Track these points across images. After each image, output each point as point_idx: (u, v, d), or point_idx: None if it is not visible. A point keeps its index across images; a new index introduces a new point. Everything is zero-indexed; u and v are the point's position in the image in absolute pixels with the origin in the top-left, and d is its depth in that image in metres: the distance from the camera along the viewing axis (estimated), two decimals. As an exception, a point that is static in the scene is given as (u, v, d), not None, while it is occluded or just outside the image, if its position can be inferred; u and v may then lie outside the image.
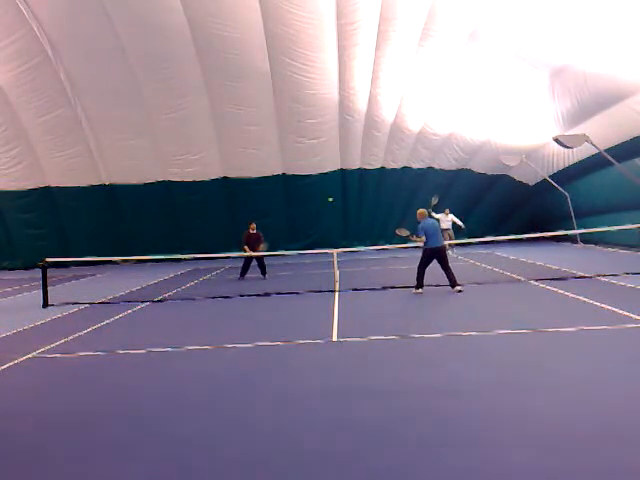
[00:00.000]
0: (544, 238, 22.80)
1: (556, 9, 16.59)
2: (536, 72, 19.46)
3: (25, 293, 15.27)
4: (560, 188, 22.61)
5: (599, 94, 17.55)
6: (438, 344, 6.98)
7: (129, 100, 20.45)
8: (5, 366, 6.97)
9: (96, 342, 8.21)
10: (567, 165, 21.96)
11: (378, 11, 18.62)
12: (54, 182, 22.54)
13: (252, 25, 18.66)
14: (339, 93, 21.03)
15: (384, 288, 12.08)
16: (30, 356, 7.48)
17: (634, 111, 16.70)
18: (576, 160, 21.16)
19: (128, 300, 12.54)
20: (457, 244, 20.80)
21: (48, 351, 7.75)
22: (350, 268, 16.81)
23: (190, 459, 4.01)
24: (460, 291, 10.88)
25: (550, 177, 22.94)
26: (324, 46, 19.50)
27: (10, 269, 23.30)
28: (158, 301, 12.27)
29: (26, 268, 22.43)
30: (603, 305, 8.66)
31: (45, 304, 12.09)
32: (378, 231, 24.13)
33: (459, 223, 21.41)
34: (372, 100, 21.52)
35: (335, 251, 13.76)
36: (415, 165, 24.39)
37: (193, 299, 12.25)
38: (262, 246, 15.35)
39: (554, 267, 14.23)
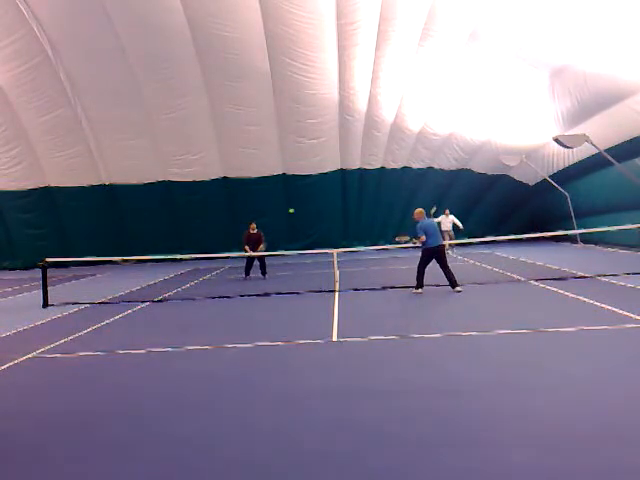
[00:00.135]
0: (544, 238, 22.81)
1: (556, 9, 16.59)
2: (536, 72, 19.46)
3: (25, 293, 15.27)
4: (560, 188, 22.61)
5: (599, 94, 17.56)
6: (438, 344, 6.98)
7: (129, 100, 20.46)
8: (5, 366, 6.97)
9: (96, 342, 8.20)
10: (567, 165, 21.96)
11: (378, 11, 18.63)
12: (54, 182, 22.55)
13: (252, 25, 18.66)
14: (339, 93, 21.03)
15: (384, 288, 12.08)
16: (30, 356, 7.48)
17: (634, 111, 16.69)
18: (576, 160, 21.17)
19: (128, 300, 12.54)
20: (457, 244, 20.82)
21: (48, 351, 7.75)
22: (350, 268, 16.81)
23: (190, 459, 4.01)
24: (460, 291, 10.89)
25: (550, 177, 22.94)
26: (324, 46, 19.50)
27: (10, 269, 23.31)
28: (158, 301, 12.27)
29: (26, 268, 22.43)
30: (603, 305, 8.66)
31: (45, 304, 12.09)
32: (378, 231, 24.13)
33: (458, 224, 21.42)
34: (372, 100, 21.52)
35: (335, 251, 13.76)
36: (415, 165, 24.39)
37: (193, 299, 12.25)
38: (262, 246, 15.36)
39: (554, 267, 14.23)
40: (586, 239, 21.56)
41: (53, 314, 11.05)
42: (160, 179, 22.89)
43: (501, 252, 20.00)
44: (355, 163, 23.50)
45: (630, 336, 6.76)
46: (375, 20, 18.90)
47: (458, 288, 10.97)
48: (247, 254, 15.47)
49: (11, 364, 7.08)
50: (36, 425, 4.93)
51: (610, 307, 8.45)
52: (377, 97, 21.48)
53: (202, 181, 22.90)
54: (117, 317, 10.29)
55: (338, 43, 19.49)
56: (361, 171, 23.75)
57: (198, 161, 22.49)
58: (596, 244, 20.62)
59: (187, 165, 22.53)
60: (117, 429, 4.71)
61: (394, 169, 24.14)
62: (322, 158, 22.86)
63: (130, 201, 23.10)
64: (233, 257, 20.04)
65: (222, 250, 18.14)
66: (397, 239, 12.72)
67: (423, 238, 11.00)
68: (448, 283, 11.12)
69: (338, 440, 4.18)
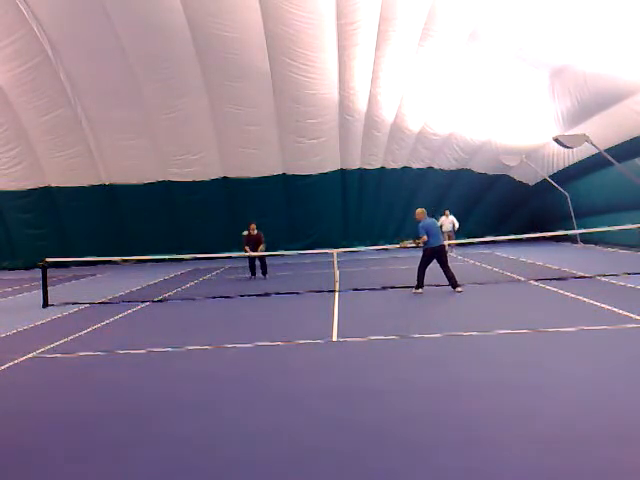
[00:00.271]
0: (544, 238, 22.81)
1: (556, 9, 16.59)
2: (536, 72, 19.47)
3: (25, 293, 15.27)
4: (560, 188, 22.61)
5: (599, 94, 17.56)
6: (438, 344, 6.98)
7: (129, 100, 20.46)
8: (5, 366, 6.97)
9: (96, 342, 8.20)
10: (567, 165, 21.96)
11: (378, 11, 18.63)
12: (54, 182, 22.56)
13: (252, 25, 18.66)
14: (339, 93, 21.03)
15: (384, 288, 12.08)
16: (30, 356, 7.48)
17: (634, 111, 16.70)
18: (576, 160, 21.17)
19: (128, 300, 12.54)
20: (457, 244, 20.82)
21: (48, 351, 7.75)
22: (350, 268, 16.81)
23: (190, 459, 4.01)
24: (460, 292, 10.88)
25: (550, 177, 22.94)
26: (324, 46, 19.50)
27: (10, 269, 23.31)
28: (158, 301, 12.27)
29: (26, 268, 22.43)
30: (603, 305, 8.66)
31: (45, 304, 12.09)
32: (378, 231, 24.14)
33: (456, 224, 21.54)
34: (372, 100, 21.52)
35: (335, 251, 13.75)
36: (415, 165, 24.40)
37: (193, 299, 12.25)
38: (262, 247, 15.39)
39: (554, 267, 14.23)
40: (586, 239, 21.56)
41: (53, 314, 11.05)
42: (160, 179, 22.89)
43: (501, 252, 20.00)
44: (355, 163, 23.50)
45: (630, 336, 6.76)
46: (375, 20, 18.90)
47: (459, 289, 10.97)
48: (248, 254, 15.52)
49: (11, 364, 7.08)
50: (36, 425, 4.93)
51: (610, 307, 8.45)
52: (377, 97, 21.48)
53: (202, 181, 22.91)
54: (117, 317, 10.28)
55: (338, 43, 19.49)
56: (361, 171, 23.76)
57: (198, 161, 22.49)
58: (596, 244, 20.62)
59: (187, 165, 22.53)
60: (117, 429, 4.71)
61: (394, 169, 24.14)
62: (322, 158, 22.86)
63: (130, 201, 23.10)
64: (233, 257, 20.04)
65: (222, 250, 18.14)
66: (401, 245, 12.70)
67: (425, 238, 10.98)
68: (449, 283, 11.12)
69: (338, 440, 4.18)
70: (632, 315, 7.79)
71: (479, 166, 24.54)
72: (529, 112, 21.06)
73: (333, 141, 22.49)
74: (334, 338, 7.62)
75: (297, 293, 12.25)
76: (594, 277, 11.91)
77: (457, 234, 21.60)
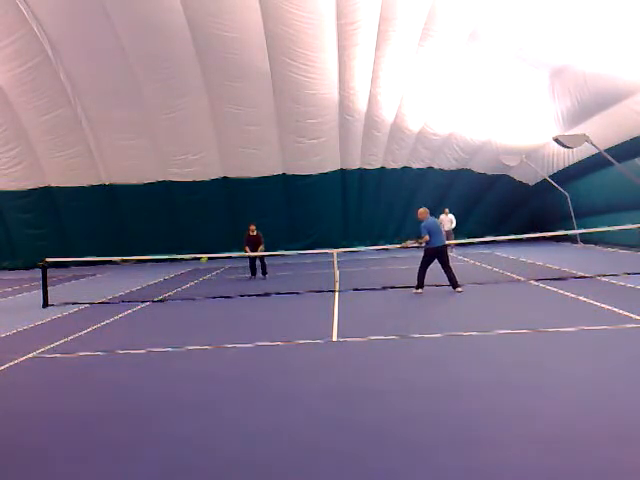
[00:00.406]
0: (544, 238, 22.82)
1: (556, 9, 16.59)
2: (536, 72, 19.46)
3: (25, 293, 15.27)
4: (560, 188, 22.61)
5: (599, 94, 17.56)
6: (438, 344, 6.98)
7: (129, 100, 20.45)
8: (5, 366, 6.97)
9: (96, 342, 8.20)
10: (567, 165, 21.96)
11: (378, 11, 18.63)
12: (54, 182, 22.55)
13: (252, 25, 18.66)
14: (339, 93, 21.02)
15: (384, 288, 12.08)
16: (30, 356, 7.48)
17: (634, 111, 16.70)
18: (576, 160, 21.17)
19: (128, 300, 12.54)
20: (457, 244, 20.81)
21: (48, 351, 7.75)
22: (350, 268, 16.81)
23: (190, 459, 4.01)
24: (461, 292, 10.88)
25: (550, 177, 22.94)
26: (324, 46, 19.50)
27: (10, 269, 23.31)
28: (158, 301, 12.27)
29: (26, 268, 22.44)
30: (603, 305, 8.66)
31: (45, 304, 12.10)
32: (378, 231, 24.14)
33: (453, 222, 21.60)
34: (372, 100, 21.52)
35: (335, 251, 13.77)
36: (415, 165, 24.40)
37: (193, 299, 12.25)
38: (261, 247, 15.42)
39: (554, 267, 14.23)
40: (586, 239, 21.56)
41: (53, 314, 11.05)
42: (160, 179, 22.89)
43: (501, 252, 20.00)
44: (355, 163, 23.50)
45: (630, 336, 6.76)
46: (375, 20, 18.89)
47: (459, 289, 10.97)
48: (247, 254, 15.56)
49: (11, 364, 7.08)
50: (36, 425, 4.93)
51: (610, 307, 8.45)
52: (377, 97, 21.48)
53: (202, 181, 22.91)
54: (117, 317, 10.28)
55: (338, 43, 19.49)
56: (361, 171, 23.76)
57: (198, 161, 22.49)
58: (596, 244, 20.62)
59: (187, 165, 22.53)
60: (117, 429, 4.71)
61: (394, 169, 24.14)
62: (322, 158, 22.86)
63: (130, 201, 23.09)
64: (233, 257, 20.03)
65: (222, 250, 18.15)
66: (403, 245, 12.71)
67: (427, 238, 10.96)
68: (449, 283, 11.12)
69: (338, 440, 4.18)
70: (632, 315, 7.79)
71: (479, 166, 24.54)
72: (529, 112, 21.05)
73: (333, 141, 22.49)
74: (334, 338, 7.62)
75: (297, 293, 12.25)
76: (594, 277, 11.91)
77: (455, 234, 21.63)
